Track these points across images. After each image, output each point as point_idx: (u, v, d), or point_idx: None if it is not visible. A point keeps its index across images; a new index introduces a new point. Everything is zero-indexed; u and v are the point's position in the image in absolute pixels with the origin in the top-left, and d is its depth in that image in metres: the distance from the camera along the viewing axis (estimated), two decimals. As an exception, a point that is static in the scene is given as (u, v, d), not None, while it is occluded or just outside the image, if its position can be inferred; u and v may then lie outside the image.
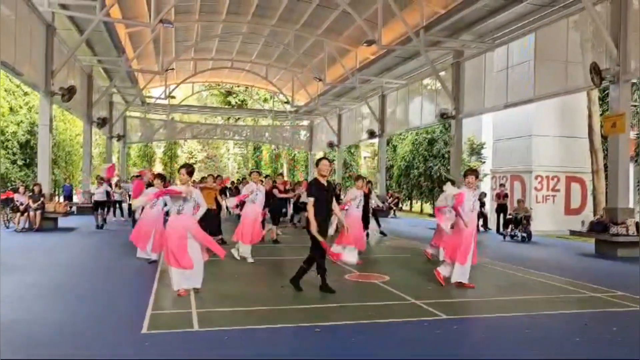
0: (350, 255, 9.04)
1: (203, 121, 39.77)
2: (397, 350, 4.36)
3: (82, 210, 19.02)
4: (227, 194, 15.11)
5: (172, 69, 24.89)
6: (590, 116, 17.16)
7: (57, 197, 22.72)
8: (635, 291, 6.82)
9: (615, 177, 11.09)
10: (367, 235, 13.28)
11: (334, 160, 30.75)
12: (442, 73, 17.79)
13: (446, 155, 24.32)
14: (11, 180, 19.63)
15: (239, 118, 40.48)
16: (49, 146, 15.45)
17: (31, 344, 4.35)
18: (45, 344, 4.36)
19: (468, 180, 7.08)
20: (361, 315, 5.45)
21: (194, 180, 10.06)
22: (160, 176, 9.12)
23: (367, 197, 10.70)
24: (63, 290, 6.59)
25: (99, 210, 15.05)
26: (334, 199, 6.74)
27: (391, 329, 4.99)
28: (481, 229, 16.39)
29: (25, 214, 13.71)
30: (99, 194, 15.33)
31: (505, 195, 15.94)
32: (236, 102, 41.57)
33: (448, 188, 7.28)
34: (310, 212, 6.36)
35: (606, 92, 15.49)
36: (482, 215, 16.46)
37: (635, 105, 15.95)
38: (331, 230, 9.03)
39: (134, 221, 11.96)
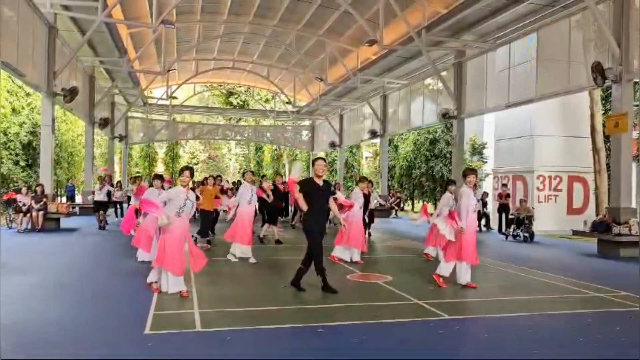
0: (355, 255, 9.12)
1: (205, 122, 39.79)
2: (399, 350, 4.36)
3: (84, 211, 19.05)
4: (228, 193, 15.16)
5: (174, 69, 24.92)
6: (592, 116, 17.12)
7: (59, 198, 22.82)
8: (638, 291, 6.80)
9: (617, 177, 11.06)
10: (370, 235, 13.35)
11: (335, 160, 30.76)
12: (443, 73, 17.76)
13: (448, 155, 24.32)
14: (14, 181, 19.66)
15: (240, 118, 40.49)
16: (51, 147, 15.47)
17: (33, 345, 4.36)
18: (48, 345, 4.36)
19: (469, 180, 7.10)
20: (364, 315, 5.45)
21: (193, 182, 10.10)
22: (158, 176, 9.11)
23: (367, 198, 10.74)
24: (65, 290, 6.59)
25: (100, 211, 15.07)
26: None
27: (394, 329, 4.99)
28: (483, 229, 16.40)
29: (28, 215, 13.73)
30: (100, 195, 15.36)
31: (508, 195, 15.92)
32: (238, 103, 41.58)
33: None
34: (300, 199, 6.51)
35: (609, 91, 15.47)
36: (484, 215, 16.45)
37: (637, 105, 15.92)
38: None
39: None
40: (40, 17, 14.10)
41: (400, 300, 6.20)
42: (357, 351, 4.30)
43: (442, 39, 15.90)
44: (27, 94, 20.83)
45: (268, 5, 18.81)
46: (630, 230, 10.59)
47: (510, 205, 15.58)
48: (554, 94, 13.61)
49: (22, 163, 20.28)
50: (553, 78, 13.32)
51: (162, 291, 6.18)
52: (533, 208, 14.76)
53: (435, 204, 26.31)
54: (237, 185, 19.58)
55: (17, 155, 19.99)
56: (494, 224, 16.62)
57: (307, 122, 35.12)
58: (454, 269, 7.06)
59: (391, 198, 24.07)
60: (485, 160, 25.68)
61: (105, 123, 21.03)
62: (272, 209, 12.06)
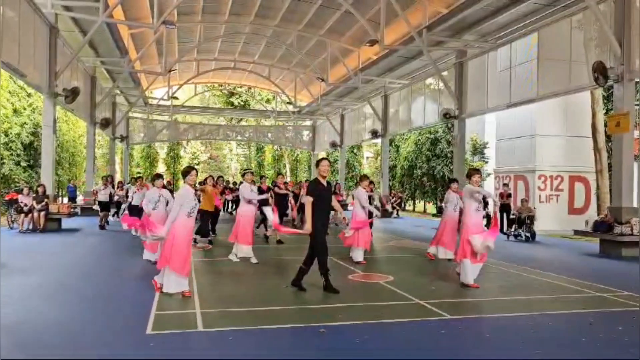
0: (356, 254, 9.14)
1: (206, 122, 39.80)
2: (401, 350, 4.35)
3: (85, 211, 19.09)
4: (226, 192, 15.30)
5: (175, 69, 24.93)
6: (593, 115, 17.10)
7: (60, 198, 22.83)
8: (640, 291, 6.79)
9: (619, 176, 11.04)
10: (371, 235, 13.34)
11: (337, 160, 30.75)
12: (444, 73, 17.76)
13: (449, 155, 24.32)
14: (15, 182, 19.67)
15: (241, 119, 40.51)
16: (53, 147, 15.49)
17: (35, 345, 4.36)
18: (49, 345, 4.36)
19: (475, 180, 7.17)
20: (365, 315, 5.44)
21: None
22: (159, 176, 9.14)
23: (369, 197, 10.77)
24: (67, 291, 6.59)
25: (103, 211, 15.08)
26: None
27: (396, 329, 4.98)
28: (485, 228, 16.34)
29: (29, 215, 13.74)
30: (103, 195, 15.37)
31: (509, 195, 15.90)
32: (239, 103, 41.59)
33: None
34: (308, 210, 6.42)
35: (610, 91, 15.45)
36: (486, 215, 16.40)
37: (639, 104, 15.89)
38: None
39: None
40: (42, 17, 14.11)
41: (402, 300, 6.19)
42: (358, 351, 4.29)
43: (443, 39, 15.90)
44: (29, 95, 20.83)
45: (269, 6, 18.81)
46: (632, 229, 10.57)
47: (512, 205, 15.55)
48: (555, 93, 13.61)
49: (24, 163, 20.28)
50: (554, 78, 13.31)
51: (164, 292, 6.17)
52: (534, 208, 14.75)
53: (435, 204, 26.35)
54: (237, 186, 19.62)
55: (18, 155, 19.99)
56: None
57: (308, 122, 35.14)
58: (463, 269, 7.06)
59: (392, 198, 24.07)
60: (486, 160, 25.68)
61: (106, 123, 21.04)
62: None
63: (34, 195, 14.03)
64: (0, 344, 4.26)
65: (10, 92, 20.00)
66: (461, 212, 9.38)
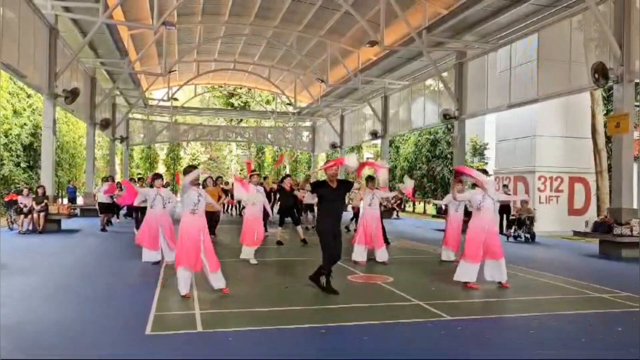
0: (358, 253, 9.16)
1: (206, 123, 39.83)
2: (402, 351, 4.35)
3: (85, 212, 19.05)
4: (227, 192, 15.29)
5: (175, 70, 24.94)
6: (593, 116, 17.09)
7: (60, 199, 22.83)
8: (639, 291, 6.80)
9: (619, 178, 11.04)
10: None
11: (337, 161, 30.68)
12: (444, 74, 17.76)
13: (449, 156, 24.30)
14: (15, 183, 19.66)
15: (241, 120, 40.52)
16: (53, 148, 15.50)
17: (35, 345, 4.36)
18: (50, 345, 4.36)
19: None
20: (366, 316, 5.44)
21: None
22: (158, 176, 9.13)
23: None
24: (67, 291, 6.59)
25: (104, 213, 15.06)
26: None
27: (395, 330, 4.98)
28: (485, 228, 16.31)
29: (29, 216, 13.73)
30: (104, 197, 15.32)
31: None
32: (239, 104, 41.60)
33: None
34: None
35: (610, 92, 15.45)
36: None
37: (639, 105, 15.90)
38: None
39: (137, 222, 11.98)
40: (42, 18, 14.12)
41: (402, 301, 6.19)
42: (359, 352, 4.29)
43: (443, 40, 15.90)
44: (29, 96, 20.83)
45: (269, 6, 18.82)
46: (631, 231, 10.56)
47: (512, 206, 15.54)
48: (555, 94, 13.61)
49: (23, 164, 20.27)
50: (554, 78, 13.31)
51: (182, 295, 6.09)
52: (534, 209, 14.74)
53: (435, 204, 26.29)
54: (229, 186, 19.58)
55: (18, 156, 19.98)
56: (495, 224, 16.56)
57: (308, 123, 35.15)
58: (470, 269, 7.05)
59: (392, 199, 24.02)
60: (486, 161, 25.66)
61: (106, 124, 21.04)
62: (281, 210, 12.32)
63: (34, 196, 14.02)
64: (0, 344, 4.26)
65: (10, 93, 20.00)
66: (466, 212, 9.40)
